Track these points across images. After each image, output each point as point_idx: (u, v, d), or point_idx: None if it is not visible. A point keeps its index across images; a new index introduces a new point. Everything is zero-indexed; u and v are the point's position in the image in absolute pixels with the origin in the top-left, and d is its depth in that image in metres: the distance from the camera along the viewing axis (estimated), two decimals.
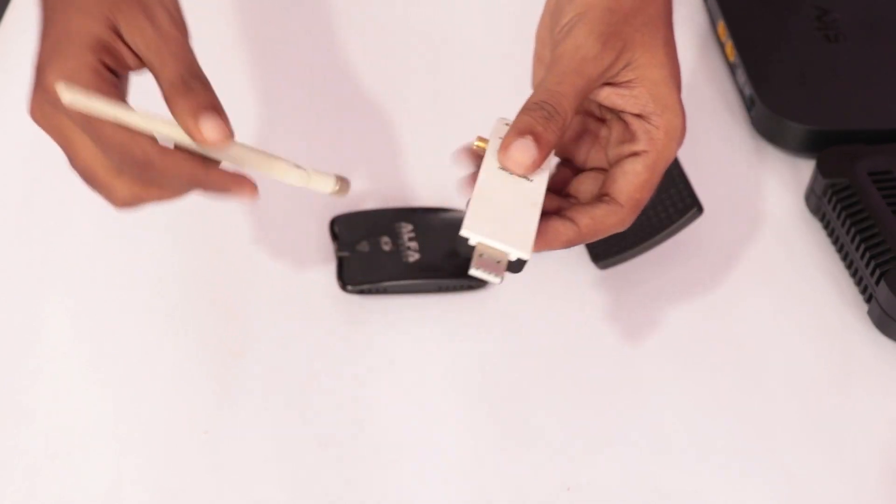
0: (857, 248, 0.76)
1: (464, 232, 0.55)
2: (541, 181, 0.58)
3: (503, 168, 0.58)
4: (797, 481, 0.67)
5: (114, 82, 0.58)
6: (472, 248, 0.55)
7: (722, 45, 0.91)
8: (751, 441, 0.69)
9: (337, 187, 0.61)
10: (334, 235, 0.76)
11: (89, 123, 0.57)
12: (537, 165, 0.58)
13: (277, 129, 0.85)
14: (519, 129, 0.57)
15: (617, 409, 0.70)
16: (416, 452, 0.68)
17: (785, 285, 0.77)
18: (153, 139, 0.57)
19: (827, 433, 0.70)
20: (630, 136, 0.61)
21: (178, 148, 0.58)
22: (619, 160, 0.61)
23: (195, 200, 0.79)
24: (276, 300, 0.74)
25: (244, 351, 0.71)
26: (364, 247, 0.75)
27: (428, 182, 0.81)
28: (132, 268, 0.75)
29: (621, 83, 0.60)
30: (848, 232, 0.77)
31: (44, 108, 0.59)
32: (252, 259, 0.76)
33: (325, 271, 0.75)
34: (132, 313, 0.73)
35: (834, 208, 0.78)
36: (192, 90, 0.57)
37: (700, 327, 0.75)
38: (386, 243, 0.76)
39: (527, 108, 0.58)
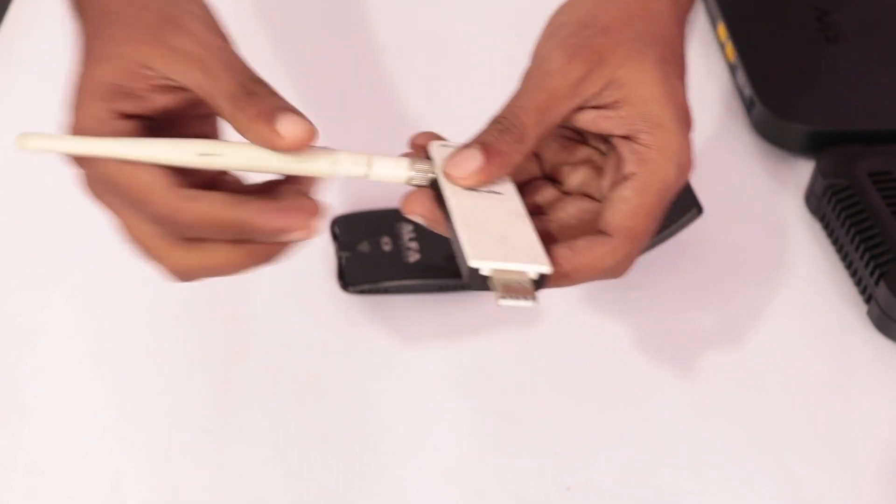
0: (857, 249, 0.76)
1: (473, 263, 0.48)
2: (511, 193, 0.54)
3: (453, 182, 0.53)
4: (796, 481, 0.68)
5: (132, 130, 0.53)
6: (486, 278, 0.49)
7: (722, 46, 0.92)
8: (750, 441, 0.69)
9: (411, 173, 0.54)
10: (334, 236, 0.77)
11: (97, 174, 0.53)
12: (486, 176, 0.53)
13: None
14: (468, 142, 0.54)
15: (617, 409, 0.70)
16: (417, 452, 0.68)
17: (784, 286, 0.77)
18: (168, 183, 0.52)
19: (826, 434, 0.70)
20: (619, 162, 0.54)
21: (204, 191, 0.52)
22: (610, 192, 0.55)
23: None
24: (277, 300, 0.74)
25: (245, 351, 0.72)
26: (364, 247, 0.75)
27: None
28: (133, 267, 0.75)
29: (606, 104, 0.54)
30: (847, 232, 0.77)
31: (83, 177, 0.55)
32: None
33: (326, 271, 0.75)
34: (133, 313, 0.73)
35: (833, 209, 0.78)
36: (257, 95, 0.51)
37: (699, 327, 0.75)
38: (386, 243, 0.76)
39: (485, 127, 0.54)
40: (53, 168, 0.82)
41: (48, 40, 0.91)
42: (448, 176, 0.53)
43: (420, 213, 0.54)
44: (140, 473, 0.66)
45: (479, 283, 0.49)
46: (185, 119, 0.55)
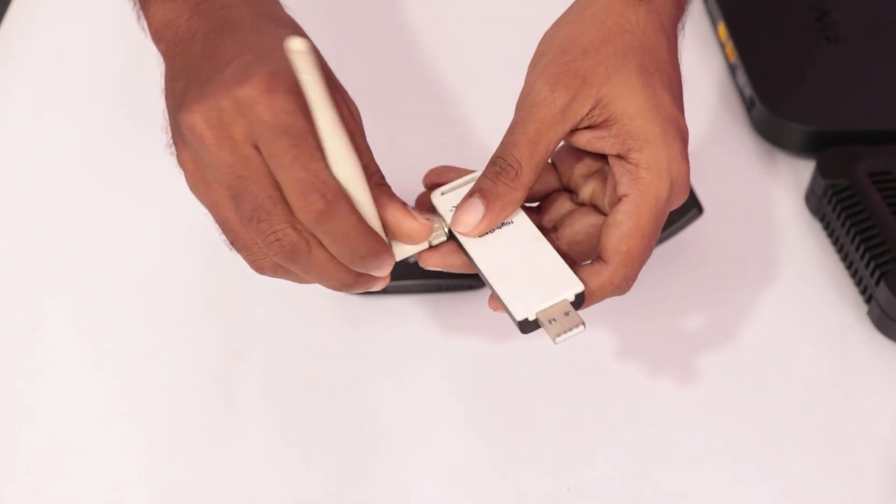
0: (857, 249, 0.76)
1: (520, 317, 0.54)
2: (520, 216, 0.57)
3: (465, 235, 0.56)
4: (797, 481, 0.68)
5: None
6: (536, 321, 0.54)
7: (722, 46, 0.92)
8: (750, 441, 0.69)
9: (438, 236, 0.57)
10: None
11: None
12: (491, 223, 0.56)
13: None
14: (470, 191, 0.56)
15: (617, 409, 0.70)
16: (416, 451, 0.68)
17: (785, 286, 0.77)
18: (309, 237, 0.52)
19: (826, 433, 0.70)
20: (615, 182, 0.56)
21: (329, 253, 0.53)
22: (608, 215, 0.56)
23: (195, 201, 0.79)
24: (277, 300, 0.74)
25: (245, 350, 0.72)
26: None
27: None
28: (133, 267, 0.76)
29: (598, 124, 0.56)
30: (848, 232, 0.77)
31: (223, 116, 0.50)
32: None
33: None
34: (134, 313, 0.73)
35: (834, 209, 0.78)
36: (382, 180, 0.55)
37: (700, 327, 0.75)
38: None
39: (484, 169, 0.56)
40: (53, 167, 0.82)
41: (48, 40, 0.91)
42: (457, 231, 0.56)
43: (439, 265, 0.57)
44: (140, 473, 0.66)
45: (530, 327, 0.54)
46: None
